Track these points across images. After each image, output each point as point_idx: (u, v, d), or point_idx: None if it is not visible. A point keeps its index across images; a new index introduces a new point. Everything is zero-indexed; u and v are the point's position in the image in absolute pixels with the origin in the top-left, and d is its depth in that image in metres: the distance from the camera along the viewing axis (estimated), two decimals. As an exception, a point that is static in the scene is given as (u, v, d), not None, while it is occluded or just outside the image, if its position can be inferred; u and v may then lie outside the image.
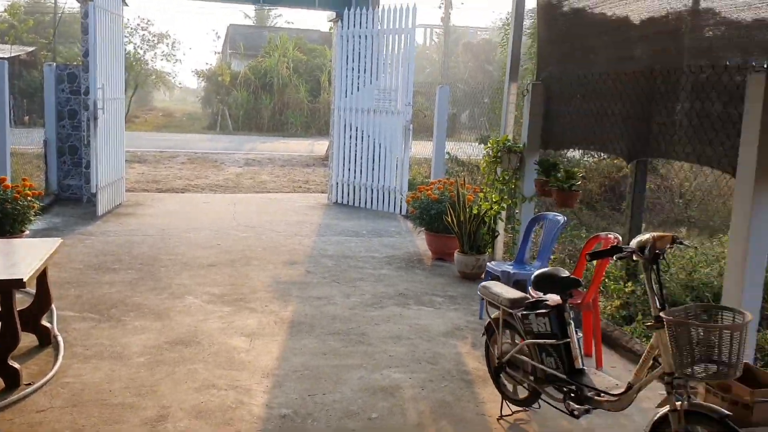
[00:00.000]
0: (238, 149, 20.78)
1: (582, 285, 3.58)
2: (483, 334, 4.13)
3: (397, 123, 10.59)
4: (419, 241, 8.69)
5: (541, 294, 3.73)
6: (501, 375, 3.97)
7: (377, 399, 4.09)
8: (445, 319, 5.65)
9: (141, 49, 30.32)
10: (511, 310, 3.75)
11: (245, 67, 31.24)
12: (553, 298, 3.61)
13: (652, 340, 3.08)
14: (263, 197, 12.02)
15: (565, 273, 3.60)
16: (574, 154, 11.04)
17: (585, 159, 11.36)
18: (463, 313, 5.84)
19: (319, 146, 21.74)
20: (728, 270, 3.95)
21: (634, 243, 3.08)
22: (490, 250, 7.03)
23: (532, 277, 3.65)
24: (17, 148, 15.70)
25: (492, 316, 4.00)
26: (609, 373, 4.62)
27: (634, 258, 3.08)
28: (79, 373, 4.26)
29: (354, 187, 11.27)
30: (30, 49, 29.71)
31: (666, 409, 2.97)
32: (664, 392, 2.98)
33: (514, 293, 3.82)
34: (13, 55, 26.04)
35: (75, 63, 14.72)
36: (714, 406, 2.91)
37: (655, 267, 3.05)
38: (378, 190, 10.99)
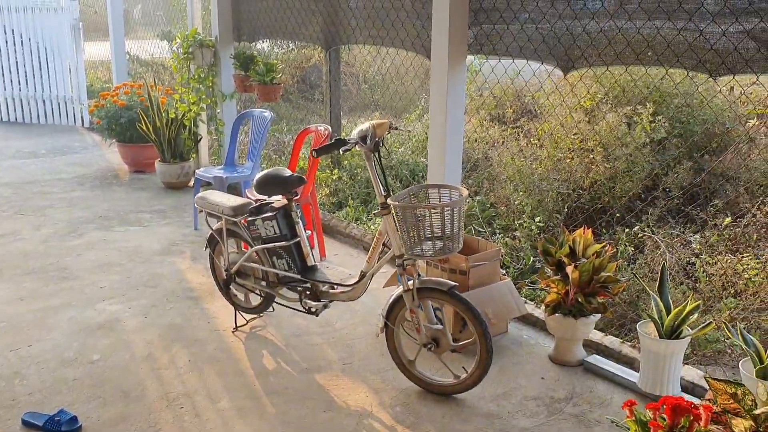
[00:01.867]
0: None
1: (305, 181, 3.47)
2: (206, 247, 3.87)
3: (63, 22, 9.24)
4: (111, 155, 7.87)
5: (264, 197, 3.55)
6: (231, 286, 3.78)
7: (96, 338, 3.64)
8: (157, 236, 5.22)
9: None
10: (234, 219, 3.52)
11: None
12: (279, 200, 3.46)
13: (380, 226, 3.12)
14: None
15: (288, 172, 3.45)
16: (263, 45, 10.82)
17: (274, 50, 11.22)
18: (176, 227, 5.45)
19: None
20: (431, 146, 4.16)
21: (355, 133, 3.02)
22: (194, 155, 6.62)
23: (254, 180, 3.44)
24: None
25: (214, 227, 3.73)
26: (333, 261, 4.71)
27: (357, 148, 3.03)
28: None
29: (21, 101, 9.72)
30: None
31: (400, 290, 3.07)
32: (390, 271, 3.07)
33: (236, 200, 3.59)
34: None
35: None
36: (441, 279, 3.08)
37: (376, 155, 3.04)
38: (51, 102, 9.63)
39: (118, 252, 4.90)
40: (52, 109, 9.67)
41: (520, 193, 5.19)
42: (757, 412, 1.99)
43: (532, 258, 4.54)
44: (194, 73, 6.22)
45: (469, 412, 2.99)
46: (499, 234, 5.01)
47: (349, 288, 3.30)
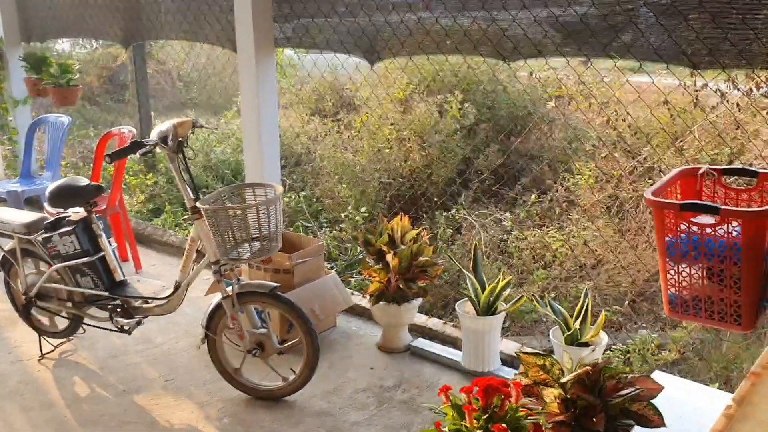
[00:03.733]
0: None
1: (105, 190, 3.21)
2: (-1, 270, 3.47)
3: None
4: None
5: (61, 210, 3.24)
6: (32, 310, 3.42)
7: None
8: (-56, 263, 4.63)
9: None
10: (28, 237, 3.18)
11: None
12: (76, 212, 3.17)
13: (192, 232, 2.95)
14: None
15: (84, 181, 3.17)
16: (63, 46, 10.01)
17: (77, 51, 10.44)
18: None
19: None
20: (246, 144, 4.03)
21: (154, 134, 2.83)
22: (-15, 168, 5.96)
23: (46, 193, 3.13)
24: None
25: (6, 248, 3.35)
26: (150, 273, 4.43)
27: (158, 150, 2.84)
28: None
29: None
30: None
31: (219, 297, 2.93)
32: (211, 277, 2.93)
33: (28, 216, 3.25)
34: None
35: None
36: (262, 282, 2.99)
37: (181, 156, 2.87)
38: None
39: None
40: None
41: (344, 186, 5.20)
42: (564, 380, 2.10)
43: (358, 249, 4.56)
44: (-25, 78, 5.59)
45: (299, 413, 2.93)
46: (327, 227, 4.99)
47: (164, 301, 3.10)
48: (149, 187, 5.92)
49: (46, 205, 4.27)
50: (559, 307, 3.00)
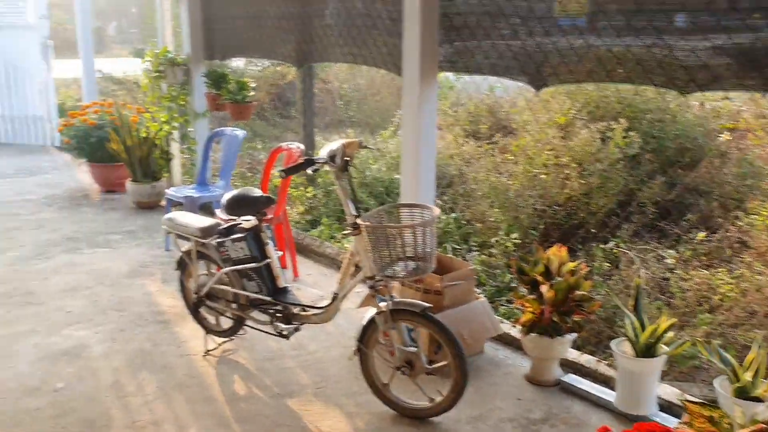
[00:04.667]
0: None
1: (274, 201, 3.41)
2: (176, 269, 3.77)
3: (32, 40, 9.10)
4: (82, 175, 7.74)
5: (234, 218, 3.48)
6: (201, 309, 3.69)
7: (61, 365, 3.52)
8: (127, 258, 5.11)
9: None
10: (203, 240, 3.44)
11: None
12: (248, 221, 3.39)
13: (351, 246, 3.06)
14: None
15: (257, 192, 3.38)
16: (238, 63, 10.75)
17: (249, 68, 11.16)
18: (146, 248, 5.34)
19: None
20: (404, 164, 4.11)
21: (324, 153, 2.97)
22: (166, 174, 6.51)
23: (223, 201, 3.37)
24: None
25: (183, 249, 3.65)
26: (306, 282, 4.63)
27: (326, 167, 2.97)
28: None
29: (-10, 120, 9.55)
30: None
31: (372, 312, 3.00)
32: (363, 291, 3.01)
33: (205, 221, 3.51)
34: None
35: None
36: (415, 301, 3.02)
37: (346, 174, 2.98)
38: (20, 121, 9.47)
39: (85, 275, 4.78)
40: (21, 128, 9.50)
41: (496, 210, 5.16)
42: (734, 435, 1.95)
43: (508, 276, 4.50)
44: (166, 92, 6.13)
45: (444, 436, 2.93)
46: (476, 251, 4.97)
47: (321, 310, 3.22)
48: (308, 199, 6.21)
49: (218, 211, 4.61)
50: (728, 355, 2.79)
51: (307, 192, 6.26)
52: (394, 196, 5.89)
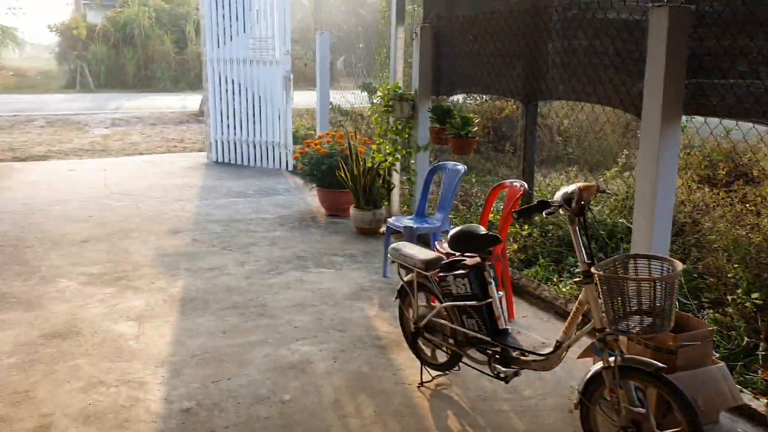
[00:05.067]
0: (102, 109, 19.23)
1: (500, 241, 3.39)
2: (396, 298, 3.89)
3: (276, 73, 10.03)
4: (310, 198, 8.33)
5: (457, 253, 3.51)
6: (418, 340, 3.76)
7: (288, 378, 3.78)
8: (348, 281, 5.38)
9: (-22, 2, 27.28)
10: (426, 273, 3.51)
11: (103, 18, 28.84)
12: (472, 258, 3.40)
13: (581, 295, 2.94)
14: (136, 160, 11.15)
15: (482, 230, 3.39)
16: (457, 98, 10.98)
17: (467, 102, 11.35)
18: (365, 272, 5.59)
19: (190, 101, 20.53)
20: (638, 211, 3.89)
21: (559, 195, 2.90)
22: (386, 203, 6.79)
23: (449, 235, 3.42)
24: None
25: (405, 279, 3.75)
26: (521, 324, 4.54)
27: (561, 211, 2.90)
28: (-66, 386, 3.64)
29: (235, 144, 10.65)
30: None
31: (598, 366, 2.85)
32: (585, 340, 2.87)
33: (428, 254, 3.59)
34: None
35: None
36: (647, 359, 2.82)
37: (581, 219, 2.88)
38: (261, 146, 10.45)
39: (311, 293, 5.10)
40: (261, 153, 10.47)
41: (734, 265, 4.70)
42: None
43: (746, 339, 4.06)
44: (392, 125, 6.42)
45: None
46: (708, 308, 4.55)
47: (543, 357, 3.13)
48: (523, 237, 6.11)
49: (436, 244, 4.69)
50: None
51: (523, 230, 6.17)
52: (617, 242, 5.60)
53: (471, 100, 11.53)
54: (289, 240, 6.54)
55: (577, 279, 2.91)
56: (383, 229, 6.80)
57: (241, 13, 10.14)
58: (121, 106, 20.25)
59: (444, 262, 3.50)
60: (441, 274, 3.47)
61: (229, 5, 10.17)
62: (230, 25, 10.25)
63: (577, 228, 2.89)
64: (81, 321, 4.52)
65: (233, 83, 10.44)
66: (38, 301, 4.86)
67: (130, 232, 6.71)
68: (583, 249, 2.88)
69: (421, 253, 3.61)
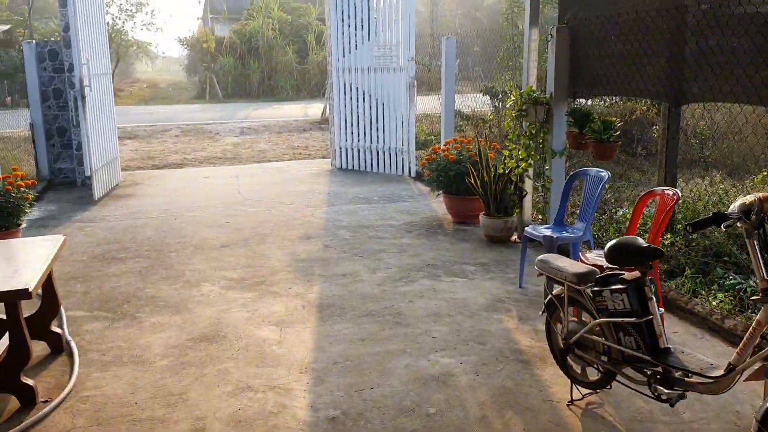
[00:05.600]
0: (230, 118, 20.15)
1: (663, 255, 3.18)
2: (542, 312, 3.74)
3: (400, 80, 10.07)
4: (435, 205, 8.28)
5: (614, 266, 3.32)
6: (568, 357, 3.59)
7: (431, 390, 3.71)
8: (482, 291, 5.27)
9: (119, 19, 29.38)
10: (578, 287, 3.35)
11: (230, 31, 30.30)
12: (630, 271, 3.20)
13: (759, 315, 2.69)
14: (265, 167, 11.54)
15: (643, 242, 3.19)
16: (583, 99, 10.60)
17: (596, 103, 10.93)
18: (499, 282, 5.45)
19: (312, 109, 21.10)
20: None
21: (736, 207, 2.66)
22: (517, 211, 6.61)
23: (606, 248, 3.23)
24: (3, 132, 15.14)
25: (553, 293, 3.60)
26: (672, 341, 4.25)
27: (738, 224, 2.66)
28: (99, 384, 3.86)
29: (358, 151, 10.80)
30: (5, 27, 28.75)
31: (783, 393, 2.60)
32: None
33: (580, 267, 3.42)
34: (-13, 34, 25.17)
35: (54, 39, 14.05)
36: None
37: (761, 233, 2.64)
38: (384, 152, 10.53)
39: (446, 302, 5.03)
40: (384, 159, 10.54)
41: None
42: None
43: None
44: (526, 130, 6.25)
45: None
46: None
47: (712, 380, 2.89)
48: (665, 247, 5.76)
49: (581, 256, 4.49)
50: None
51: (666, 239, 5.82)
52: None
53: (600, 101, 11.12)
54: (417, 247, 6.51)
55: (755, 297, 2.67)
56: (515, 237, 6.64)
57: (366, 22, 10.27)
58: (249, 115, 21.13)
59: (599, 275, 3.32)
60: (595, 288, 3.30)
61: (355, 14, 10.33)
62: (355, 34, 10.40)
63: (755, 242, 2.65)
64: (226, 325, 4.67)
65: (357, 91, 10.59)
66: (185, 305, 5.07)
67: (265, 237, 6.92)
68: (762, 265, 2.63)
69: (573, 266, 3.45)
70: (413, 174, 10.19)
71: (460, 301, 5.06)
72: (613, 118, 5.56)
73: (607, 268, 3.44)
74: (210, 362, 4.12)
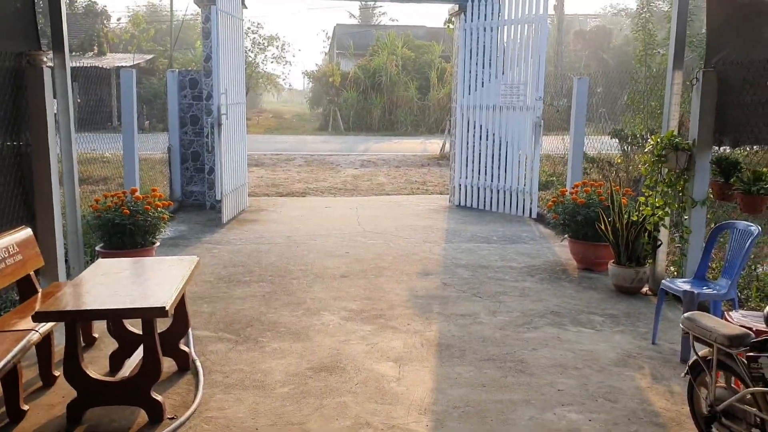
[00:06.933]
0: (351, 150, 20.61)
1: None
2: (685, 374, 3.45)
3: (526, 119, 9.90)
4: (558, 248, 8.00)
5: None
6: (713, 425, 3.28)
7: (558, 447, 3.51)
8: (611, 344, 4.97)
9: (252, 52, 30.96)
10: (729, 350, 3.06)
11: (354, 66, 31.21)
12: (795, 339, 2.90)
13: None
14: (383, 200, 11.64)
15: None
16: (726, 148, 9.98)
17: (736, 152, 10.27)
18: (630, 336, 5.13)
19: (431, 145, 21.21)
20: None
21: None
22: (650, 261, 6.25)
23: (765, 311, 2.94)
24: (142, 154, 16.16)
25: (700, 354, 3.32)
26: None
27: None
28: (221, 406, 3.92)
29: (478, 189, 10.67)
30: (149, 56, 31.05)
31: None
32: None
33: (733, 329, 3.13)
34: (135, 63, 27.23)
35: (194, 68, 14.93)
36: None
37: None
38: (505, 192, 10.34)
39: (572, 354, 4.78)
40: (504, 198, 10.35)
41: None
42: None
43: None
44: (665, 177, 5.92)
45: None
46: None
47: None
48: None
49: (726, 315, 4.14)
50: None
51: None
52: None
53: (740, 150, 10.46)
54: (540, 292, 6.27)
55: None
56: (645, 288, 6.28)
57: (494, 61, 10.22)
58: (369, 148, 21.54)
59: (755, 339, 3.03)
60: (750, 353, 3.00)
61: (483, 52, 10.31)
62: (483, 72, 10.37)
63: None
64: (345, 357, 4.65)
65: (480, 128, 10.51)
66: (305, 333, 5.11)
67: (383, 270, 6.91)
68: None
69: (724, 327, 3.16)
70: (534, 215, 9.93)
71: (588, 353, 4.79)
72: (765, 169, 5.15)
73: (764, 332, 3.13)
74: (329, 394, 4.09)
